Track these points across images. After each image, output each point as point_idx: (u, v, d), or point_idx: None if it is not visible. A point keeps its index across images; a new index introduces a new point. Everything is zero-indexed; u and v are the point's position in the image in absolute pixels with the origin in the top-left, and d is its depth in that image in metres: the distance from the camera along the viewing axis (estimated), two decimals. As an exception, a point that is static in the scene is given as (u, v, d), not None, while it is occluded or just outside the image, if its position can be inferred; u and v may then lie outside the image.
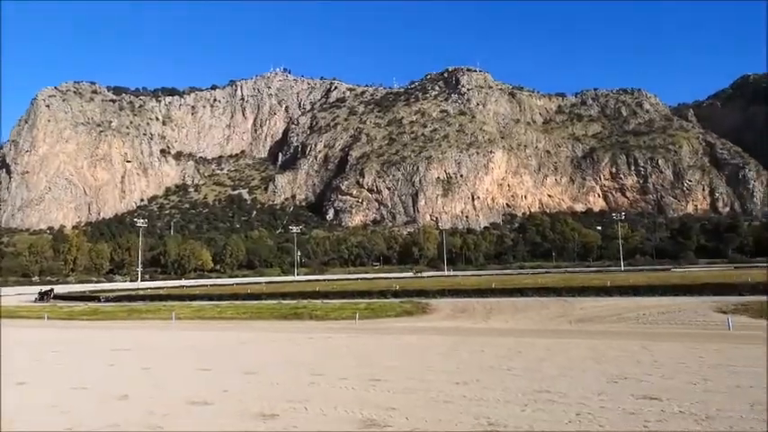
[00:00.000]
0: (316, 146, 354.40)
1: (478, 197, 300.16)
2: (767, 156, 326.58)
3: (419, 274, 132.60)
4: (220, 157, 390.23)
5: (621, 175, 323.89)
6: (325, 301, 49.97)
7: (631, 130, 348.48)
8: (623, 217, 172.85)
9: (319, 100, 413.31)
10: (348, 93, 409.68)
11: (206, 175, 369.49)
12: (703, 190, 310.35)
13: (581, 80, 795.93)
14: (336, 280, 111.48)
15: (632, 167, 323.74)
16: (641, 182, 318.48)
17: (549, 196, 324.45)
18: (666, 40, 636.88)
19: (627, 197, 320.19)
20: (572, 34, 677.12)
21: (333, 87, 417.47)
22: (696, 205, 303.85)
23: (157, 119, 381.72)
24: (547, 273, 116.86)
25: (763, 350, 18.06)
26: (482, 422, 9.42)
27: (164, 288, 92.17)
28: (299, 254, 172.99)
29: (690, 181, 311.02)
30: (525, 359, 17.85)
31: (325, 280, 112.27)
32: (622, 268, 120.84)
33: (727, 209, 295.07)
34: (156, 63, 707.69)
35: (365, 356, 18.95)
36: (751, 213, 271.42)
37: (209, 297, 60.70)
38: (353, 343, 23.89)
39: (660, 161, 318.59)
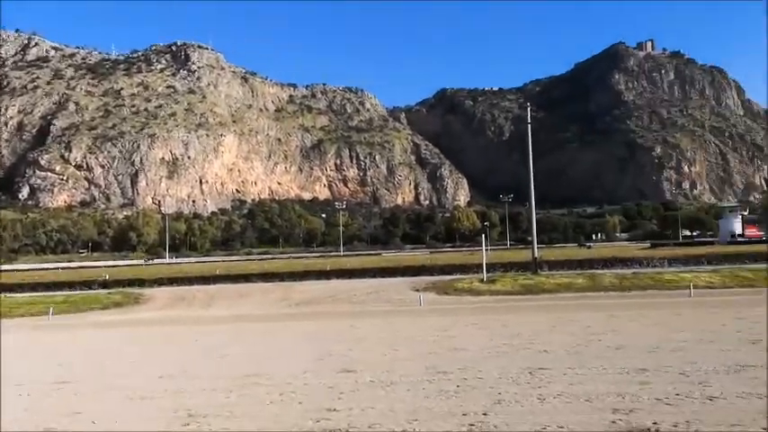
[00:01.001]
0: (6, 110, 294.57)
1: (207, 181, 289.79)
2: (457, 158, 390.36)
3: (150, 262, 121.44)
4: None
5: (345, 168, 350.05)
6: (8, 295, 41.89)
7: (355, 127, 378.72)
8: (345, 206, 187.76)
9: (13, 56, 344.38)
10: (53, 52, 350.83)
11: None
12: (410, 184, 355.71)
13: (312, 74, 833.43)
14: (28, 270, 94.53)
15: (354, 161, 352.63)
16: (361, 174, 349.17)
17: (279, 183, 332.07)
18: (387, 47, 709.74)
19: (349, 188, 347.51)
20: (306, 29, 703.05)
21: (32, 43, 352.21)
22: (404, 198, 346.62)
23: None
24: (273, 258, 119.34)
25: (439, 320, 21.37)
26: (181, 414, 8.88)
27: None
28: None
29: (400, 176, 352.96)
30: (242, 344, 17.71)
31: (13, 271, 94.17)
32: (342, 253, 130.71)
33: (428, 202, 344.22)
34: None
35: (52, 356, 16.35)
36: (444, 206, 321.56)
37: None
38: (40, 341, 20.47)
39: (377, 157, 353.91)
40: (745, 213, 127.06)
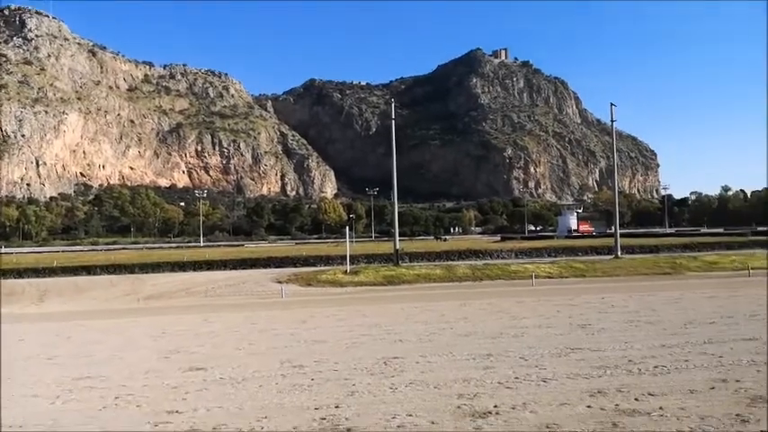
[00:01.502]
0: None
1: (45, 163, 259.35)
2: (325, 150, 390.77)
3: None
4: None
5: (206, 154, 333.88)
6: None
7: (217, 112, 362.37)
8: (205, 194, 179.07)
9: None
10: None
11: None
12: (276, 174, 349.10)
13: (171, 53, 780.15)
14: None
15: (217, 148, 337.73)
16: (224, 162, 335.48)
17: (132, 168, 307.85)
18: (254, 32, 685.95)
19: (210, 176, 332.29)
20: (165, 3, 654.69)
21: None
22: (270, 188, 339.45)
23: None
24: (123, 249, 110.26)
25: (299, 312, 21.10)
26: (-11, 430, 7.65)
27: None
28: None
29: (266, 165, 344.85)
30: (74, 344, 15.94)
31: None
32: (202, 244, 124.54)
33: (294, 192, 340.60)
34: None
35: None
36: (311, 197, 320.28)
37: None
38: None
39: (242, 144, 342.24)
40: (580, 211, 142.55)
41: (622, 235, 49.83)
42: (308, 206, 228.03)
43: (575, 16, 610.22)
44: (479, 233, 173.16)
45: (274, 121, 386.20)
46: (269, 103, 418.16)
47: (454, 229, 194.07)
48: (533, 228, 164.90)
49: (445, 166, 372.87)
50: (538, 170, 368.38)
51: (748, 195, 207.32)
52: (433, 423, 7.17)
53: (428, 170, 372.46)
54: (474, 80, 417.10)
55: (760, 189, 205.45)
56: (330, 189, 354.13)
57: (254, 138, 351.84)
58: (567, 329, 14.57)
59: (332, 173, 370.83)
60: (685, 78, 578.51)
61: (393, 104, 45.87)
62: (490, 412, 7.51)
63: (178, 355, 12.72)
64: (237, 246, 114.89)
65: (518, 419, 7.19)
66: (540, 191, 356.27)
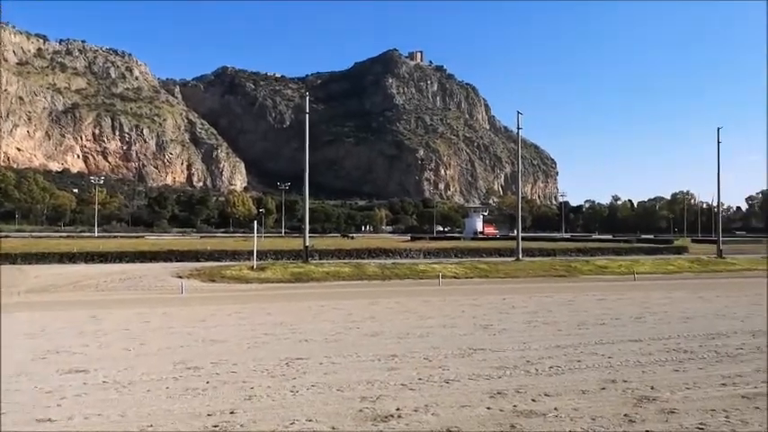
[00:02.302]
0: None
1: None
2: (236, 141, 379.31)
3: None
4: None
5: (105, 139, 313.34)
6: None
7: (119, 94, 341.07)
8: (102, 181, 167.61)
9: None
10: None
11: None
12: (182, 164, 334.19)
13: (68, 27, 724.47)
14: None
15: (117, 132, 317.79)
16: (125, 148, 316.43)
17: (19, 150, 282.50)
18: (161, 10, 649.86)
19: (109, 161, 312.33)
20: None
21: None
22: (175, 177, 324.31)
23: None
24: (6, 237, 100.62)
25: (199, 309, 20.09)
26: None
27: None
28: None
29: (171, 154, 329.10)
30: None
31: None
32: (96, 234, 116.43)
33: (201, 184, 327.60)
34: None
35: None
36: (219, 189, 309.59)
37: None
38: None
39: (145, 130, 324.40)
40: (486, 214, 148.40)
41: (524, 238, 52.22)
42: (215, 198, 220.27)
43: (486, 24, 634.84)
44: (390, 232, 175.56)
45: (182, 108, 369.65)
46: (177, 89, 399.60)
47: (365, 228, 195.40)
48: (441, 228, 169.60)
49: (359, 164, 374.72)
50: (448, 172, 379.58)
51: (635, 205, 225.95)
52: (333, 428, 6.91)
53: (342, 167, 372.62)
54: (390, 80, 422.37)
55: (645, 200, 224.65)
56: (240, 182, 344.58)
57: (160, 124, 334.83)
58: (470, 329, 14.85)
59: (242, 165, 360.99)
60: (583, 94, 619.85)
61: (307, 98, 45.10)
62: (392, 415, 7.38)
63: (57, 355, 11.57)
64: (137, 237, 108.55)
65: (419, 422, 7.11)
66: (449, 193, 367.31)
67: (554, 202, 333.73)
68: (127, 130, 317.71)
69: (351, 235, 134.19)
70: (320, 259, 42.94)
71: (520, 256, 44.74)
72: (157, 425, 7.08)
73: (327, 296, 25.02)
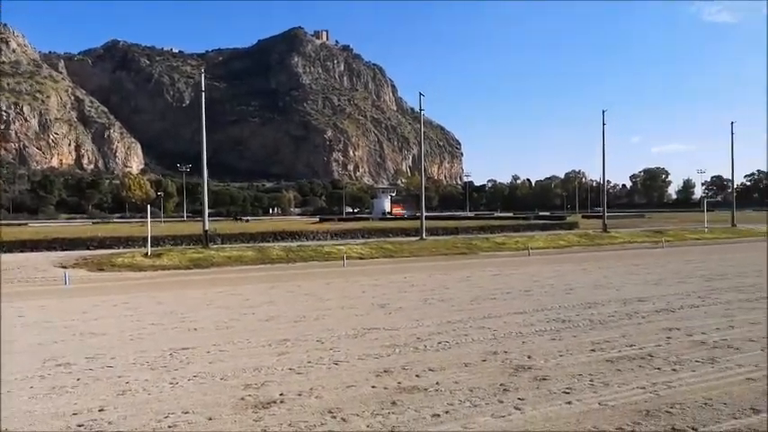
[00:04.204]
0: None
1: None
2: (130, 120, 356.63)
3: None
4: None
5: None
6: None
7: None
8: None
9: None
10: None
11: None
12: (69, 145, 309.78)
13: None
14: None
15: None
16: (3, 128, 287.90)
17: None
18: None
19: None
20: None
21: None
22: (62, 159, 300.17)
23: None
24: None
25: (82, 301, 18.78)
26: None
27: None
28: None
29: (57, 134, 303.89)
30: None
31: None
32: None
33: (92, 166, 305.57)
34: None
35: None
36: (113, 172, 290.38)
37: None
38: None
39: (26, 108, 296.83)
40: (394, 195, 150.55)
41: (429, 218, 53.48)
42: (108, 181, 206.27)
43: (392, 5, 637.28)
44: (299, 214, 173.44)
45: (68, 84, 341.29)
46: (61, 63, 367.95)
47: (273, 210, 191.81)
48: (351, 210, 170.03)
49: (265, 144, 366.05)
50: (357, 153, 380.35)
51: (533, 184, 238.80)
52: (210, 419, 6.66)
53: (247, 148, 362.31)
54: (296, 59, 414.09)
55: (542, 179, 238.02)
56: (136, 164, 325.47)
57: (42, 101, 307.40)
58: (367, 310, 14.97)
59: (138, 146, 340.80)
60: (484, 78, 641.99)
61: (203, 73, 43.12)
62: (275, 401, 7.25)
63: None
64: (18, 225, 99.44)
65: (302, 406, 7.03)
66: (358, 174, 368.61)
67: (459, 182, 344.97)
68: (4, 107, 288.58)
69: (246, 218, 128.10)
70: (222, 243, 41.58)
71: (423, 235, 45.79)
72: (14, 428, 6.49)
73: (226, 282, 24.29)
